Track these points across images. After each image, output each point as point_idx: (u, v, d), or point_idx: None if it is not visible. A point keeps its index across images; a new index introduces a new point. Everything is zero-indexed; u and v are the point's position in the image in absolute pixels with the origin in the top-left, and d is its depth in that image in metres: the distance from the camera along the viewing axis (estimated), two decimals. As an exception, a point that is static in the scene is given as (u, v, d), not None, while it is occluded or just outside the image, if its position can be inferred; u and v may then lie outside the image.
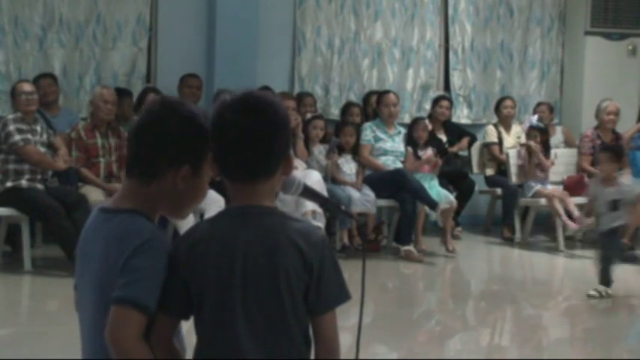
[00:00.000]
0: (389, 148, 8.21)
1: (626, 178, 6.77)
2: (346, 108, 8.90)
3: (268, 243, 2.04)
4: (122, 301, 2.01)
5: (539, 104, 9.73)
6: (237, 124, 2.03)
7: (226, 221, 2.10)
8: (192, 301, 2.07)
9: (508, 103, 9.51)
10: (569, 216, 8.23)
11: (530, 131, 8.80)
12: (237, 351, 2.03)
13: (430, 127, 8.45)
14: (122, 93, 8.12)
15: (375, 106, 8.71)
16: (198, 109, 2.20)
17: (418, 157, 8.16)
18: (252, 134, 2.04)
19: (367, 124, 8.35)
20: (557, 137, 9.58)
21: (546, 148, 8.75)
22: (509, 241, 8.77)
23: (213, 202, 6.05)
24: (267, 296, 2.03)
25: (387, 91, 8.60)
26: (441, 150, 8.55)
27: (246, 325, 2.03)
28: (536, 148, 8.57)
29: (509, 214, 8.84)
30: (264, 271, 2.03)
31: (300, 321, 2.05)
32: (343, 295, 2.09)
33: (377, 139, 8.22)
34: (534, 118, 9.17)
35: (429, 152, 8.21)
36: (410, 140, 8.27)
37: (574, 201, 8.43)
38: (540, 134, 8.75)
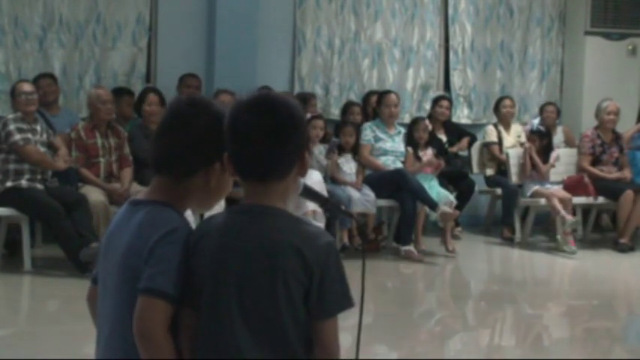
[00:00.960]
0: (389, 148, 8.21)
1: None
2: (347, 107, 8.90)
3: (269, 244, 2.04)
4: (149, 291, 2.03)
5: (546, 104, 9.75)
6: (252, 125, 2.05)
7: (233, 218, 2.11)
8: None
9: (507, 102, 9.50)
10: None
11: (531, 136, 8.79)
12: (234, 348, 2.03)
13: (430, 127, 8.45)
14: (122, 92, 8.12)
15: (375, 105, 8.71)
16: (225, 108, 2.21)
17: (418, 158, 8.16)
18: (266, 135, 2.05)
19: (367, 124, 8.34)
20: (557, 137, 9.58)
21: (547, 151, 8.73)
22: (509, 241, 8.76)
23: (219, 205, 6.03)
24: (263, 297, 2.03)
25: (388, 92, 8.59)
26: (440, 150, 8.55)
27: (242, 324, 2.03)
28: (530, 151, 8.57)
29: (509, 214, 8.83)
30: (261, 272, 2.03)
31: (299, 323, 2.05)
32: (345, 302, 2.08)
33: (377, 139, 8.21)
34: (535, 122, 9.16)
35: (429, 153, 8.20)
36: (410, 140, 8.26)
37: (574, 201, 8.45)
38: (540, 138, 8.76)
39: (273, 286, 2.02)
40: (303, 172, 2.14)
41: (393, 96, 8.39)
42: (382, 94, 8.49)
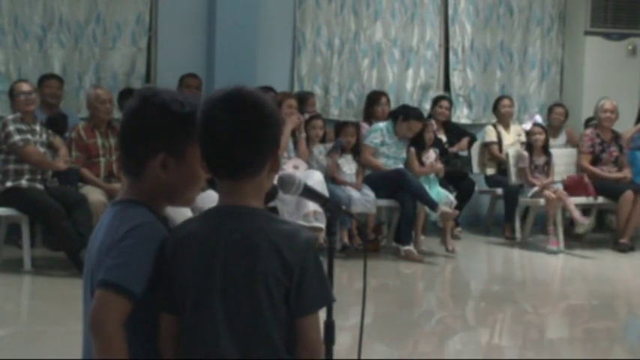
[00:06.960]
0: (392, 153, 8.12)
1: None
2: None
3: (248, 245, 2.02)
4: (106, 284, 1.98)
5: (555, 105, 9.75)
6: (222, 123, 2.02)
7: (210, 221, 2.09)
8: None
9: (506, 102, 9.52)
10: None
11: (536, 128, 8.73)
12: (218, 352, 2.02)
13: (435, 127, 8.44)
14: (131, 93, 8.08)
15: (386, 108, 8.67)
16: (174, 96, 2.16)
17: (421, 162, 8.13)
18: (236, 133, 2.02)
19: (379, 126, 8.20)
20: (561, 138, 9.58)
21: (546, 148, 8.72)
22: (511, 240, 8.76)
23: (211, 202, 6.01)
24: (245, 299, 2.01)
25: (419, 117, 8.11)
26: (441, 150, 8.54)
27: (226, 327, 2.02)
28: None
29: (511, 213, 8.81)
30: (242, 274, 2.01)
31: (281, 323, 2.04)
32: (325, 299, 2.08)
33: (383, 144, 8.11)
34: (538, 117, 9.12)
35: (431, 156, 8.17)
36: (412, 140, 8.20)
37: (574, 201, 8.44)
38: (544, 132, 8.73)
39: (254, 288, 2.01)
40: (275, 170, 2.12)
41: (420, 124, 8.12)
42: (410, 119, 8.01)
